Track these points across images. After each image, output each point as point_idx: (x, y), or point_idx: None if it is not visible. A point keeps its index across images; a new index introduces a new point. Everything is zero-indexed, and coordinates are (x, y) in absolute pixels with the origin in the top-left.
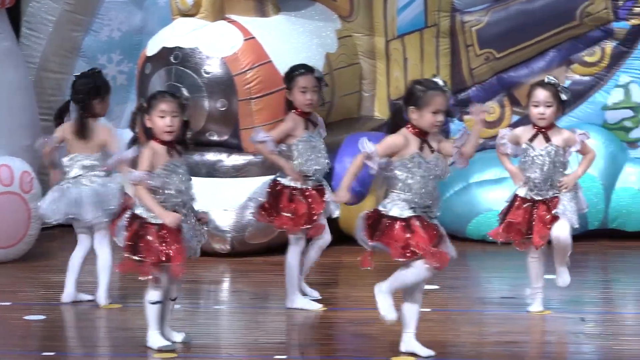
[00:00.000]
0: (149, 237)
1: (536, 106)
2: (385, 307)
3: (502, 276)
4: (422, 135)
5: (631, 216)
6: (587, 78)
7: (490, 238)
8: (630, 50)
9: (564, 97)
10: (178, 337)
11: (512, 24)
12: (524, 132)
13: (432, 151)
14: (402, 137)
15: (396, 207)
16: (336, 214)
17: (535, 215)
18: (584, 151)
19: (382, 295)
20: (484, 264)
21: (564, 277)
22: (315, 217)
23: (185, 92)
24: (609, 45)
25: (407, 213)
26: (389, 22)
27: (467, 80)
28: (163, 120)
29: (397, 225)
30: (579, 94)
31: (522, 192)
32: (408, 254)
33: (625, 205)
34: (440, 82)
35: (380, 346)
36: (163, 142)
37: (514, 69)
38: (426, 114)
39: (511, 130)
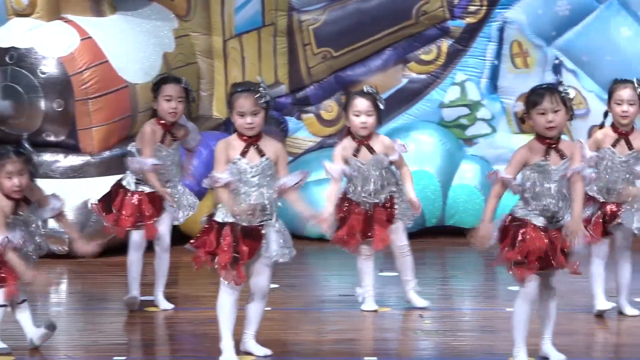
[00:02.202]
0: None
1: (357, 115)
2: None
3: (341, 274)
4: (249, 139)
5: (468, 213)
6: (423, 76)
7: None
8: (465, 49)
9: (381, 106)
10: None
11: (348, 22)
12: (348, 146)
13: (262, 155)
14: (222, 143)
15: (220, 211)
16: (180, 221)
17: (374, 219)
18: (399, 163)
19: None
20: (323, 262)
21: (416, 299)
22: (143, 220)
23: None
24: (445, 44)
25: (228, 219)
26: (227, 21)
27: (305, 79)
28: (11, 181)
29: (213, 230)
30: (416, 92)
31: (354, 196)
32: (205, 260)
33: (462, 202)
34: (257, 82)
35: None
36: (10, 199)
37: (352, 67)
38: (235, 116)
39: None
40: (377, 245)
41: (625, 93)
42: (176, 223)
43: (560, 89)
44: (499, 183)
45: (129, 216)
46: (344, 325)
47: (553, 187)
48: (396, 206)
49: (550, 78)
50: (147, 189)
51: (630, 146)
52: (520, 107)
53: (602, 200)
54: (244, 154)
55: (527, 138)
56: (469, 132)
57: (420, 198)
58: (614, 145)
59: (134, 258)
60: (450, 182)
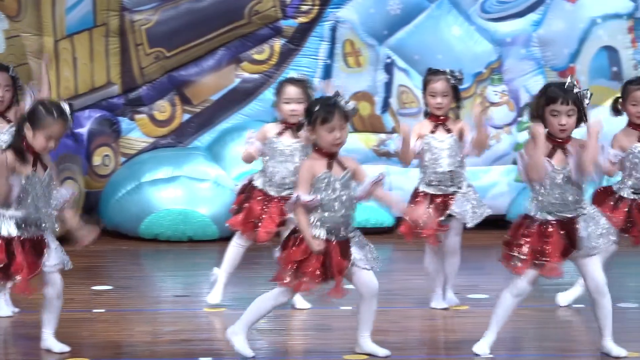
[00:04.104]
0: None
1: (288, 103)
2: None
3: (176, 275)
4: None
5: None
6: (256, 76)
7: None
8: (298, 48)
9: (314, 93)
10: None
11: (181, 22)
12: (273, 128)
13: (45, 168)
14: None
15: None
16: None
17: (267, 210)
18: None
19: None
20: (157, 262)
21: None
22: None
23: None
24: (278, 43)
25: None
26: (58, 21)
27: (138, 79)
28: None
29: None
30: (249, 92)
31: (259, 183)
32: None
33: None
34: (65, 107)
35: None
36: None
37: (185, 67)
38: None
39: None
40: (261, 237)
41: (438, 85)
42: None
43: (342, 103)
44: (299, 207)
45: None
46: (179, 326)
47: (339, 197)
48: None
49: (382, 77)
50: None
51: (448, 130)
52: (353, 105)
53: (432, 193)
54: (34, 167)
55: (361, 136)
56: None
57: None
58: (433, 132)
59: None
60: None
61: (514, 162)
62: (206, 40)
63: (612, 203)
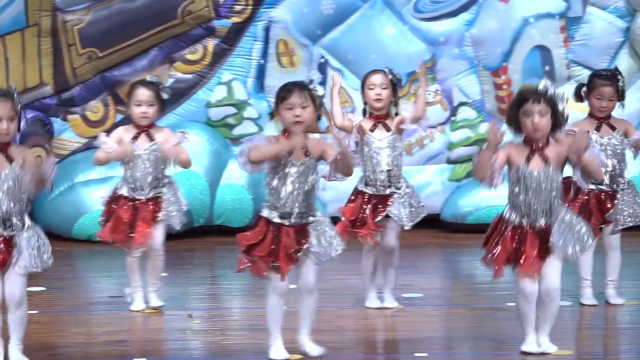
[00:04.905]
0: None
1: (139, 105)
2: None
3: (110, 275)
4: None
5: (236, 212)
6: (189, 76)
7: (98, 239)
8: (232, 48)
9: (165, 96)
10: None
11: (113, 22)
12: (126, 132)
13: (10, 162)
14: None
15: None
16: None
17: (140, 215)
18: (179, 156)
19: None
20: (91, 263)
21: (155, 301)
22: None
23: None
24: (211, 43)
25: None
26: None
27: (71, 79)
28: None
29: None
30: (182, 92)
31: (124, 191)
32: None
33: (230, 202)
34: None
35: None
36: None
37: (117, 67)
38: None
39: (110, 135)
40: (137, 241)
41: (377, 78)
42: None
43: (310, 86)
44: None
45: None
46: (114, 326)
47: (291, 185)
48: (162, 207)
49: (316, 77)
50: None
51: (387, 129)
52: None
53: (369, 193)
54: None
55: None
56: (236, 131)
57: (188, 198)
58: (372, 130)
59: None
60: (218, 181)
61: (448, 161)
62: (139, 40)
63: (570, 194)
